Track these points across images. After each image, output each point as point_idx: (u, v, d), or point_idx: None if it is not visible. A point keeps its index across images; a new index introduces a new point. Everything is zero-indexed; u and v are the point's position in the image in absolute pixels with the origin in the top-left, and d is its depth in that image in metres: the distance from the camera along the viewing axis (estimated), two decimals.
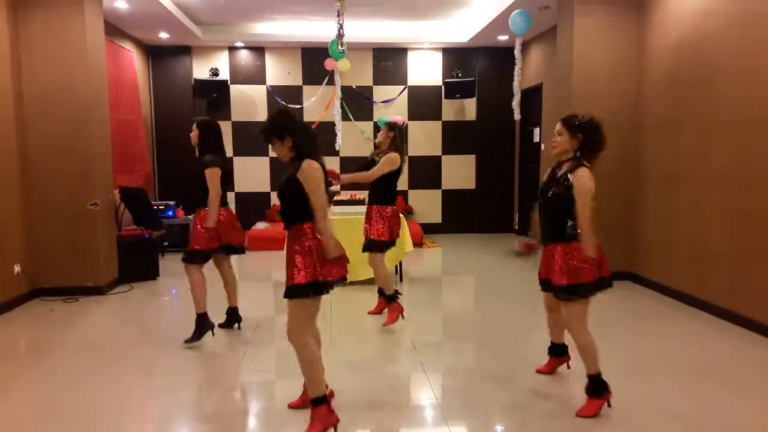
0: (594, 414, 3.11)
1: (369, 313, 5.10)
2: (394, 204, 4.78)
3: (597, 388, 3.13)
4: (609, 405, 3.17)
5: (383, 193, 4.74)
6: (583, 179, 3.04)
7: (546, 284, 3.32)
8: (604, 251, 3.17)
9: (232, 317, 4.66)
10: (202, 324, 4.33)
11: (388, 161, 4.62)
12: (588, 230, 3.03)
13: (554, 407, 3.32)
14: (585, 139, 3.11)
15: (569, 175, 3.09)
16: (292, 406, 3.27)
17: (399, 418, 3.25)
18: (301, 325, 2.88)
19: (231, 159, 9.25)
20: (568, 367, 3.68)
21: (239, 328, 4.64)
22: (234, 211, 4.54)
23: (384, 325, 4.69)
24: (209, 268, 4.42)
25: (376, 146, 4.91)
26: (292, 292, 2.83)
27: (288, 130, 2.89)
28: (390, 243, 4.76)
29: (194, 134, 4.33)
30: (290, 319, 2.89)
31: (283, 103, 9.19)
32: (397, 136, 4.67)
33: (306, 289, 2.81)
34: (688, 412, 3.20)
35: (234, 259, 4.64)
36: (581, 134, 3.10)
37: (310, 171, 2.83)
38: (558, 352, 3.66)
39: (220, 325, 4.64)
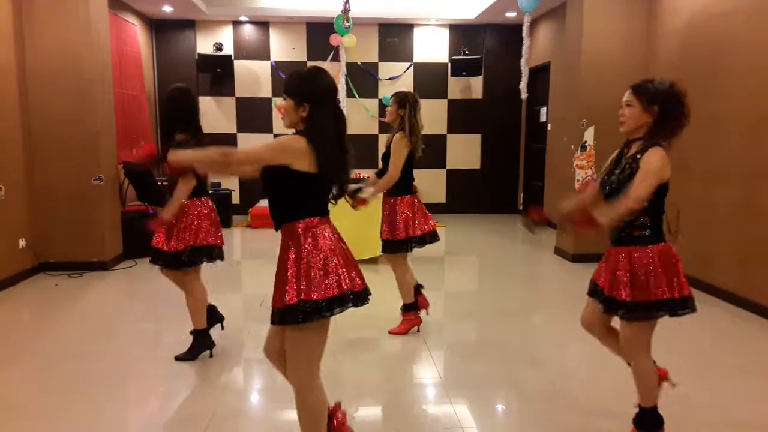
0: None
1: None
2: (411, 192, 4.04)
3: (649, 422, 2.56)
4: None
5: (397, 181, 3.98)
6: (652, 157, 2.37)
7: (601, 294, 2.58)
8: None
9: (213, 317, 3.85)
10: (201, 341, 3.71)
11: (399, 148, 3.92)
12: (625, 208, 2.33)
13: (555, 386, 3.32)
14: (662, 113, 2.42)
15: (638, 156, 2.42)
16: None
17: (402, 395, 3.27)
18: (310, 364, 2.28)
19: (233, 136, 9.22)
20: (673, 385, 2.72)
21: (222, 328, 3.91)
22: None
23: (390, 332, 4.13)
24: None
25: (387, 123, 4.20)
26: (285, 315, 2.16)
27: (312, 99, 2.28)
28: (412, 239, 3.98)
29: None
30: (293, 356, 2.27)
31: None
32: (406, 113, 3.94)
33: (303, 311, 2.15)
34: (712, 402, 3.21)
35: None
36: (658, 106, 2.42)
37: (285, 137, 2.22)
38: None
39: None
